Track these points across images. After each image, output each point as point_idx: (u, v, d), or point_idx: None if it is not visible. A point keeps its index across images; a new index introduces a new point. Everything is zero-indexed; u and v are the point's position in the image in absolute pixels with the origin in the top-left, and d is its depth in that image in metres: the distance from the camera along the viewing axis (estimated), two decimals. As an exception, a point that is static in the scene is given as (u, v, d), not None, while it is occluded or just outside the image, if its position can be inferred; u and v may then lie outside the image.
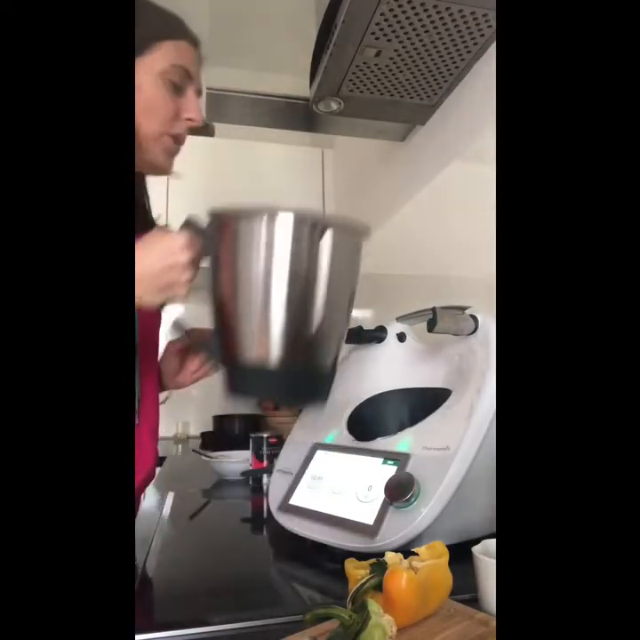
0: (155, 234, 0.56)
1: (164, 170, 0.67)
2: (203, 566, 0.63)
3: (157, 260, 0.54)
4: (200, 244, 0.55)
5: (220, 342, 0.56)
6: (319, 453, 0.72)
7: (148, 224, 0.75)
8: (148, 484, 0.70)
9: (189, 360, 0.76)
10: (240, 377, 0.56)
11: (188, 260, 0.54)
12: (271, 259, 0.52)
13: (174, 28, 0.63)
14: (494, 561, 0.42)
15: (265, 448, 1.04)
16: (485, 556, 0.44)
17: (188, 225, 0.55)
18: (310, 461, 0.72)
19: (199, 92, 0.67)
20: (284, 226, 0.52)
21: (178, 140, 0.67)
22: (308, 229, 0.52)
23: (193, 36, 0.65)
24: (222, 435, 2.03)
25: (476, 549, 0.45)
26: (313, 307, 0.53)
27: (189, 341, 0.74)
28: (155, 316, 0.77)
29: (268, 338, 0.53)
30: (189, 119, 0.65)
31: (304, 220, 0.52)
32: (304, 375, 0.56)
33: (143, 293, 0.54)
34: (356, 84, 1.14)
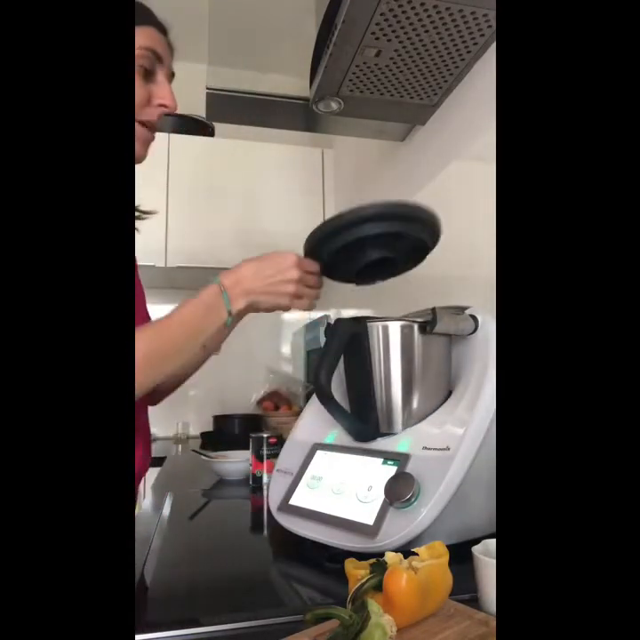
0: (272, 253, 0.66)
1: (137, 158, 0.65)
2: (203, 566, 0.63)
3: (274, 273, 0.64)
4: (307, 267, 0.67)
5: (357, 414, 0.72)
6: (319, 453, 0.72)
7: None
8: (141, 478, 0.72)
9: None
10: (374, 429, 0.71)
11: (298, 277, 0.65)
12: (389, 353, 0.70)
13: (140, 16, 0.61)
14: (494, 561, 0.42)
15: (265, 448, 1.04)
16: (485, 556, 0.44)
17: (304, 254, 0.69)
18: (310, 461, 0.72)
19: (171, 77, 0.65)
20: (394, 331, 0.70)
21: (151, 128, 0.65)
22: (409, 331, 0.70)
23: (160, 24, 0.64)
24: (222, 435, 2.03)
25: (476, 549, 0.45)
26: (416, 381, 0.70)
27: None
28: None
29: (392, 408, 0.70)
30: (162, 105, 0.63)
31: (408, 325, 0.70)
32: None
33: (260, 299, 0.65)
34: (356, 84, 1.14)
